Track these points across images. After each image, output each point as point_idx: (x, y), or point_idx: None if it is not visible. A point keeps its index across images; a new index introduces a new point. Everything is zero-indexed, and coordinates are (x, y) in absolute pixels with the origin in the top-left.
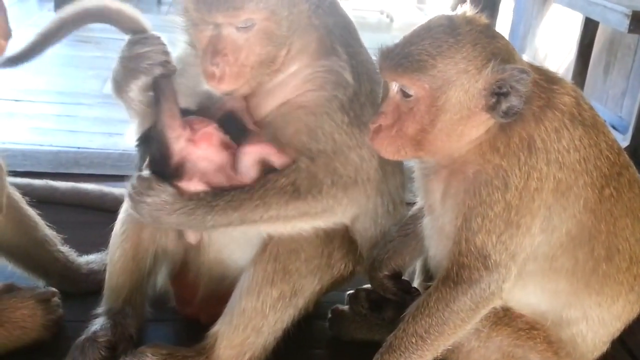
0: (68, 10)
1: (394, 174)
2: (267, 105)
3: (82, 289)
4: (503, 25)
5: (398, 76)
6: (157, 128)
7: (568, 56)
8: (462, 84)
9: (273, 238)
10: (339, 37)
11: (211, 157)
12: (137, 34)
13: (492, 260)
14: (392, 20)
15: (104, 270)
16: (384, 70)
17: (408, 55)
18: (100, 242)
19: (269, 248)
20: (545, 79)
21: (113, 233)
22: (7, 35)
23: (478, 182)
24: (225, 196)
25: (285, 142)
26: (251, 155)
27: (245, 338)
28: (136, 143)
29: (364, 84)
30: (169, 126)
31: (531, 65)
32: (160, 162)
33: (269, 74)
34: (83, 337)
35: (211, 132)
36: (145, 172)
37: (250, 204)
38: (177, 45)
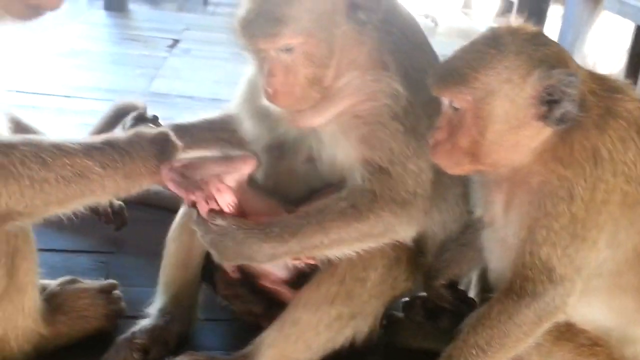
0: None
1: (453, 185)
2: (322, 116)
3: None
4: (551, 32)
5: (442, 91)
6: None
7: (618, 64)
8: (507, 94)
9: (342, 263)
10: (392, 48)
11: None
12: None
13: (557, 274)
14: (436, 24)
15: None
16: (431, 85)
17: (451, 70)
18: (158, 240)
19: (338, 272)
20: (604, 88)
21: (172, 225)
22: None
23: (542, 193)
24: (279, 224)
25: (345, 152)
26: None
27: (293, 351)
28: None
29: (420, 95)
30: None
31: (591, 74)
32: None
33: (319, 91)
34: (123, 336)
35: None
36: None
37: (309, 229)
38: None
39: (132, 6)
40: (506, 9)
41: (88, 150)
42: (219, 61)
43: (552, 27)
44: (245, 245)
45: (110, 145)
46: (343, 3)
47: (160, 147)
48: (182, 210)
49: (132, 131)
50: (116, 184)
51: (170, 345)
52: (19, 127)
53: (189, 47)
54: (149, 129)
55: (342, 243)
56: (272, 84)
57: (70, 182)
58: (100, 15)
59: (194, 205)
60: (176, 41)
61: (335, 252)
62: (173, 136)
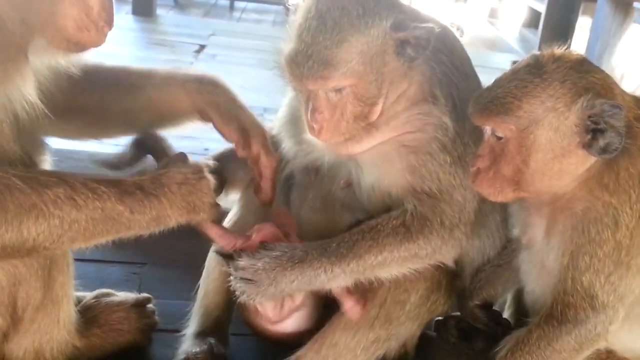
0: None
1: (492, 212)
2: (366, 143)
3: None
4: (579, 44)
5: (485, 120)
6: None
7: None
8: (551, 123)
9: (384, 286)
10: (441, 80)
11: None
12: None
13: (599, 301)
14: (462, 33)
15: None
16: (472, 114)
17: (494, 99)
18: (189, 253)
19: (379, 294)
20: None
21: (211, 249)
22: (111, 22)
23: (587, 220)
24: (334, 240)
25: (389, 180)
26: None
27: None
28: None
29: (467, 123)
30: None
31: (637, 100)
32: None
33: (364, 126)
34: (182, 357)
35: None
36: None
37: (364, 244)
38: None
39: (159, 11)
40: (533, 19)
41: (120, 194)
42: (244, 67)
43: (579, 39)
44: (305, 264)
45: (141, 188)
46: (392, 41)
47: (190, 188)
48: None
49: (162, 172)
50: (142, 225)
51: None
52: (102, 74)
53: (215, 53)
54: (182, 169)
55: (392, 261)
56: (318, 120)
57: (98, 223)
58: (127, 19)
59: (230, 256)
60: (202, 46)
61: (385, 272)
62: (205, 174)
